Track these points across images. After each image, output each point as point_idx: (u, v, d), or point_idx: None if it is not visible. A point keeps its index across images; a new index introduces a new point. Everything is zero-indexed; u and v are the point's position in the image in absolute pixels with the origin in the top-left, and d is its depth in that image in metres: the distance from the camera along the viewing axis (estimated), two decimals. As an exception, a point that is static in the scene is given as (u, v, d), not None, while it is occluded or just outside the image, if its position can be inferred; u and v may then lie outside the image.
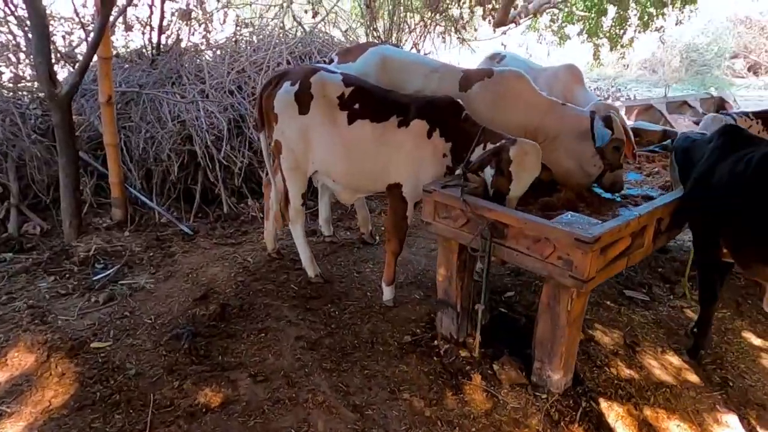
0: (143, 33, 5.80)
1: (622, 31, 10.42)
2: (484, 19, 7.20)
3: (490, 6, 7.14)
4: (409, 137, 3.57)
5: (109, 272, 4.13)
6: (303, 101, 3.64)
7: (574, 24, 10.67)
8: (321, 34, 6.57)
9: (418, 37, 6.62)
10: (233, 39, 6.24)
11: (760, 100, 14.25)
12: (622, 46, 10.76)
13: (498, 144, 3.32)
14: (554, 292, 2.95)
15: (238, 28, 6.37)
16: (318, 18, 6.54)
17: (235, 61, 6.01)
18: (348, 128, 3.62)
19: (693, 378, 3.37)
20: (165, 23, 5.72)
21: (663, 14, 9.90)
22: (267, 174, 4.25)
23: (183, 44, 6.00)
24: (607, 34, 10.53)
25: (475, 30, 7.15)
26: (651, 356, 3.54)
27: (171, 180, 5.12)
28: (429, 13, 6.60)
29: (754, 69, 19.09)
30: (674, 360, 3.51)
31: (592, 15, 10.08)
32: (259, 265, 4.36)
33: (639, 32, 10.60)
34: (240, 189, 5.45)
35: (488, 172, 3.36)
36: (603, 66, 14.44)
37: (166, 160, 5.07)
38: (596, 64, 11.39)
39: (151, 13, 5.69)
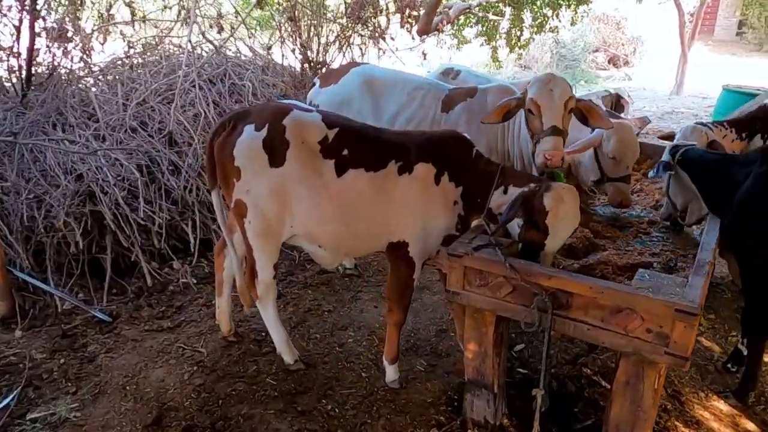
0: (5, 61, 4.45)
1: (519, 32, 10.47)
2: (402, 26, 6.69)
3: (407, 14, 6.62)
4: (414, 185, 2.89)
5: (6, 401, 2.98)
6: (275, 150, 2.81)
7: (471, 27, 10.55)
8: (232, 52, 5.60)
9: (340, 50, 5.91)
10: (127, 63, 5.08)
11: (632, 91, 15.26)
12: (519, 47, 10.84)
13: (527, 189, 2.74)
14: (637, 370, 2.44)
15: (129, 49, 5.21)
16: (224, 34, 5.56)
17: (131, 90, 4.88)
18: (337, 181, 2.85)
19: (750, 426, 3.05)
20: (36, 48, 4.44)
21: (557, 15, 10.07)
22: (221, 238, 3.35)
23: (61, 73, 4.74)
24: (505, 36, 10.53)
25: (393, 39, 6.58)
26: (699, 405, 3.18)
27: (71, 252, 3.95)
28: (350, 24, 5.91)
29: (613, 61, 20.65)
30: (722, 406, 3.18)
31: (494, 17, 9.98)
32: (216, 356, 3.42)
33: (534, 33, 10.74)
34: (161, 251, 4.39)
35: (514, 223, 2.79)
36: (502, 67, 14.64)
37: (63, 227, 3.88)
38: (496, 65, 11.41)
39: (18, 35, 4.38)
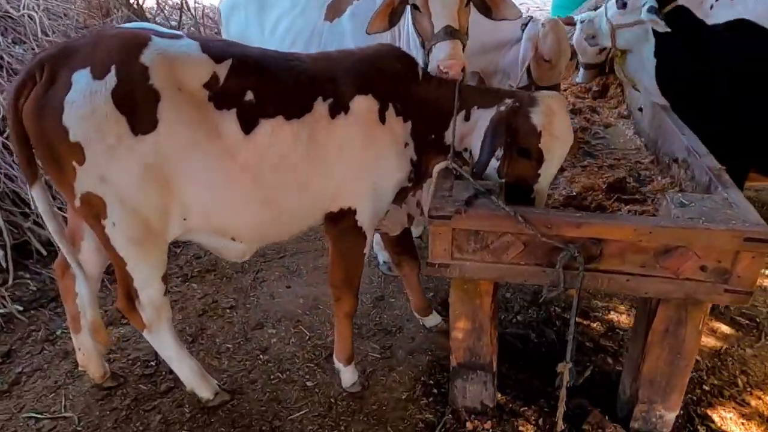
0: None
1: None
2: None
3: None
4: (354, 129, 2.07)
5: None
6: (137, 106, 1.78)
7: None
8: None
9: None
10: None
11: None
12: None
13: (503, 109, 2.06)
14: (679, 314, 2.01)
15: None
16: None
17: None
18: (246, 141, 1.91)
19: None
20: None
21: None
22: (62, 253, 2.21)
23: None
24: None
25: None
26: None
27: None
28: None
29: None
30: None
31: None
32: (93, 418, 2.36)
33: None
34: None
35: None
36: None
37: None
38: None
39: None
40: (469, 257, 1.99)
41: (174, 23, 5.09)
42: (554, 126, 2.03)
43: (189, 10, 4.14)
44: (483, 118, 2.13)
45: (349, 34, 2.96)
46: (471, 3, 2.51)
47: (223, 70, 1.88)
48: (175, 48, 1.83)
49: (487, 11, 2.60)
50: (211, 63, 1.87)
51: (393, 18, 2.53)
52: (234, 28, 3.39)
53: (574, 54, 3.90)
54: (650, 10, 2.69)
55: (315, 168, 2.02)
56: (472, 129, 2.18)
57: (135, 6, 4.00)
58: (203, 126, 1.84)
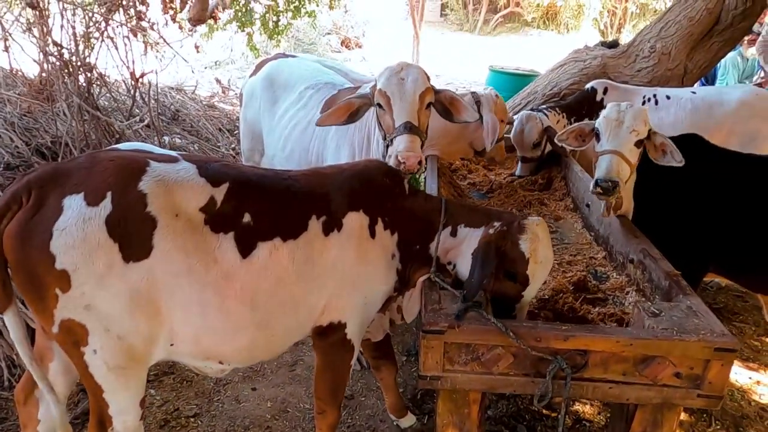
0: None
1: (276, 18, 9.68)
2: (164, 12, 5.34)
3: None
4: (347, 245, 2.10)
5: None
6: (131, 234, 1.73)
7: (222, 11, 9.35)
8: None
9: (97, 44, 4.42)
10: None
11: (371, 73, 15.79)
12: (277, 34, 10.06)
13: (492, 232, 2.16)
14: (655, 417, 2.12)
15: None
16: None
17: None
18: (243, 265, 1.89)
19: None
20: None
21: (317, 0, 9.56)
22: (25, 375, 2.05)
23: None
24: (262, 21, 9.62)
25: (153, 29, 5.24)
26: None
27: None
28: (103, 11, 4.44)
29: (345, 43, 21.30)
30: None
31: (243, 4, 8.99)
32: None
33: (292, 18, 10.06)
34: None
35: (464, 266, 2.21)
36: (262, 55, 13.55)
37: None
38: (254, 54, 10.40)
39: None
40: (460, 369, 2.03)
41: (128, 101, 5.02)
42: (540, 253, 2.14)
43: (142, 98, 4.10)
44: (470, 236, 2.20)
45: (333, 130, 3.20)
46: (431, 106, 2.73)
47: (220, 193, 1.88)
48: (173, 173, 1.82)
49: (447, 115, 2.84)
50: (209, 186, 1.87)
51: (354, 116, 2.74)
52: (250, 113, 3.72)
53: (512, 148, 4.26)
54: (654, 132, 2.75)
55: (309, 285, 2.03)
56: (457, 245, 2.24)
57: (86, 93, 3.91)
58: (199, 251, 1.81)
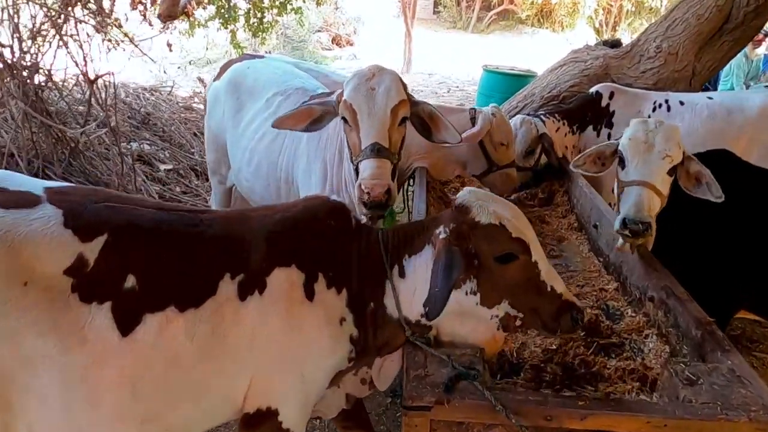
0: None
1: (260, 14, 9.24)
2: (133, 8, 4.91)
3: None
4: (272, 310, 1.65)
5: None
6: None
7: (205, 8, 8.92)
8: None
9: (52, 43, 3.99)
10: None
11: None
12: (262, 31, 9.62)
13: (443, 237, 1.70)
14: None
15: None
16: None
17: None
18: (122, 344, 1.46)
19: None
20: None
21: (301, -5, 9.15)
22: None
23: None
24: (246, 17, 9.19)
25: (119, 26, 4.81)
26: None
27: None
28: (58, 5, 4.02)
29: (336, 41, 20.87)
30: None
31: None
32: None
33: (277, 15, 9.63)
34: None
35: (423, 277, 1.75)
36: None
37: None
38: (238, 52, 9.95)
39: None
40: (451, 451, 1.64)
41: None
42: (503, 210, 1.73)
43: (98, 102, 3.68)
44: (419, 266, 1.76)
45: (305, 141, 2.81)
46: (407, 121, 2.34)
47: (93, 249, 1.45)
48: (22, 225, 1.39)
49: (426, 133, 2.46)
50: (76, 241, 1.43)
51: (317, 123, 2.36)
52: (213, 121, 3.35)
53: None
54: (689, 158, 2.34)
55: (216, 366, 1.59)
56: (412, 287, 1.77)
57: (34, 97, 3.48)
58: (60, 329, 1.39)
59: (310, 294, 1.68)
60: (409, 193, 3.43)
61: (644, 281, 2.41)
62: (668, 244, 2.60)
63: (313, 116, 2.32)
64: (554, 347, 2.12)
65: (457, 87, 12.90)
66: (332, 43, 20.74)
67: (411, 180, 3.54)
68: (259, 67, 3.24)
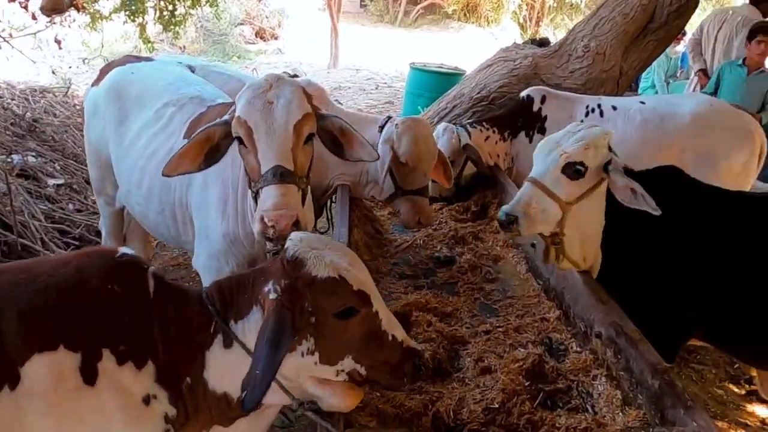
0: None
1: (172, 6, 8.55)
2: (11, 1, 4.23)
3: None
4: (30, 411, 1.29)
5: None
6: None
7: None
8: None
9: None
10: None
11: (288, 66, 14.84)
12: (174, 24, 8.91)
13: (273, 298, 1.42)
14: None
15: None
16: None
17: None
18: None
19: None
20: None
21: (216, -13, 8.53)
22: None
23: None
24: (157, 10, 8.47)
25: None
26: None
27: None
28: None
29: (260, 34, 20.12)
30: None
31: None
32: None
33: (190, 8, 8.95)
34: None
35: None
36: (157, 49, 12.20)
37: None
38: (148, 47, 9.18)
39: None
40: None
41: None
42: (341, 260, 1.48)
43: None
44: (248, 333, 1.46)
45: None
46: (314, 139, 2.00)
47: None
48: None
49: (338, 150, 2.12)
50: None
51: (214, 154, 1.97)
52: (94, 134, 2.86)
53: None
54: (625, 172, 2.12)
55: None
56: (238, 360, 1.46)
57: None
58: None
59: (90, 377, 1.33)
60: (334, 211, 3.08)
61: (589, 313, 2.18)
62: (616, 268, 2.40)
63: (210, 143, 1.93)
64: (496, 405, 1.85)
65: (386, 83, 12.62)
66: (256, 36, 19.95)
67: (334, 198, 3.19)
68: (147, 71, 2.77)
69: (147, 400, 1.40)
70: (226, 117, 1.92)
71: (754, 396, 3.13)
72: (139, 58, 2.99)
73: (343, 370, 1.51)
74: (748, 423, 2.98)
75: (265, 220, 1.75)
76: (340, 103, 9.48)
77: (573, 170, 2.11)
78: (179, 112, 2.46)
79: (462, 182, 3.58)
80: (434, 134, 3.61)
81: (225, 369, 1.46)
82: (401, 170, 2.84)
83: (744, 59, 5.16)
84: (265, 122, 1.79)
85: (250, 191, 1.92)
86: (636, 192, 2.05)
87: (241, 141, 1.85)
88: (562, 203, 2.13)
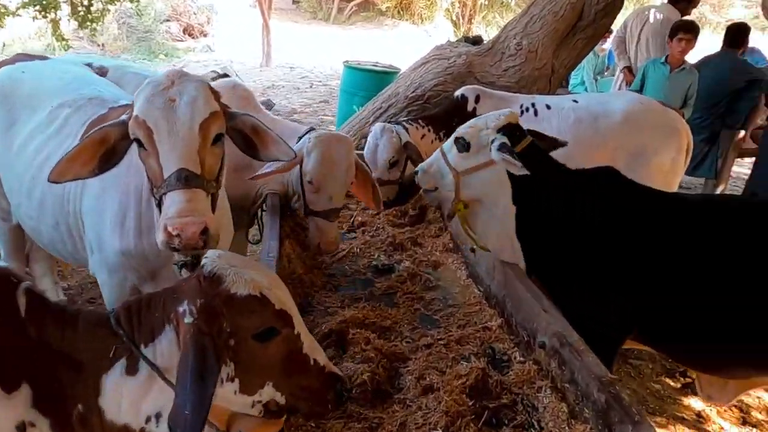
0: None
1: (87, 2, 7.97)
2: None
3: None
4: None
5: None
6: None
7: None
8: None
9: None
10: None
11: (219, 64, 14.34)
12: (91, 21, 8.33)
13: (189, 321, 1.28)
14: None
15: None
16: None
17: None
18: None
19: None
20: None
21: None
22: None
23: None
24: (71, 5, 7.88)
25: None
26: None
27: None
28: None
29: (188, 31, 19.34)
30: None
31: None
32: None
33: (108, 3, 8.39)
34: None
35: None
36: (73, 47, 11.40)
37: None
38: (62, 45, 8.53)
39: None
40: None
41: None
42: (261, 278, 1.36)
43: None
44: (159, 356, 1.32)
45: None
46: (223, 139, 1.82)
47: None
48: None
49: (252, 150, 1.94)
50: None
51: (110, 158, 1.76)
52: None
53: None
54: (501, 148, 2.23)
55: None
56: (144, 388, 1.32)
57: None
58: None
59: None
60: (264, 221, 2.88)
61: (532, 322, 2.11)
62: (553, 269, 2.37)
63: (105, 146, 1.71)
64: (440, 431, 1.73)
65: (320, 81, 12.39)
66: (184, 33, 19.12)
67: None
68: (40, 70, 2.48)
69: (22, 428, 1.24)
70: (123, 117, 1.71)
71: (689, 389, 3.18)
72: (31, 57, 2.68)
73: (260, 401, 1.37)
74: (685, 417, 3.02)
75: (169, 228, 1.55)
76: (272, 102, 9.23)
77: (460, 144, 2.42)
78: (76, 114, 2.20)
79: (405, 182, 3.46)
80: (372, 135, 3.50)
81: (127, 397, 1.30)
82: (307, 188, 2.67)
83: (667, 57, 5.31)
84: (166, 122, 1.59)
85: (153, 198, 1.72)
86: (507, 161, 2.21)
87: (140, 143, 1.65)
88: (454, 171, 2.41)
